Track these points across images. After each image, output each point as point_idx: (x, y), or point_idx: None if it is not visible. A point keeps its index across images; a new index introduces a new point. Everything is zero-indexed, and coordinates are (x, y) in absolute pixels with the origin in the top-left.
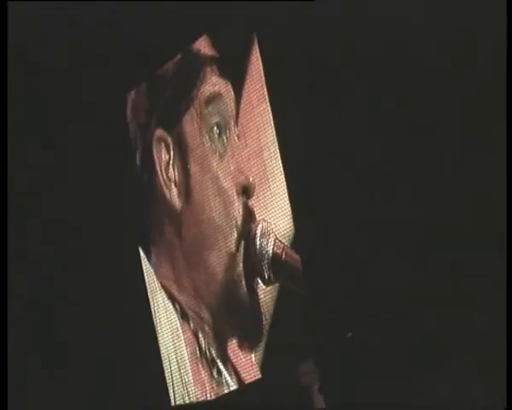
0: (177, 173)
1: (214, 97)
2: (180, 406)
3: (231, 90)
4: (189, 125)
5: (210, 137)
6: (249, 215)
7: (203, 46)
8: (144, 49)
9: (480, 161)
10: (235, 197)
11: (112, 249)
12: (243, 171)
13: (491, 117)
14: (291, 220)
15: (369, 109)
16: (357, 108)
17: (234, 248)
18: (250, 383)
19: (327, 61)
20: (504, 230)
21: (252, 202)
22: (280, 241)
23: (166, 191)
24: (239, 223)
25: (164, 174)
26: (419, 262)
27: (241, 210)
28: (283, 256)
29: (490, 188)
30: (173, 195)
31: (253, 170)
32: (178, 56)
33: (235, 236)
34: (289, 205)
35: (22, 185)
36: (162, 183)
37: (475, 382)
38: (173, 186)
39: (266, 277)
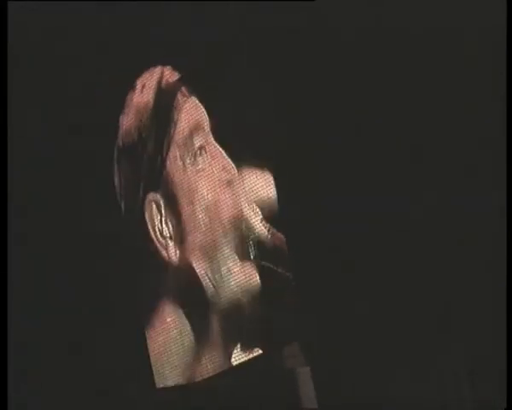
0: (170, 226)
1: (196, 128)
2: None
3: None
4: (173, 165)
5: (193, 163)
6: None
7: (167, 78)
8: None
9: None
10: (226, 196)
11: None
12: (226, 168)
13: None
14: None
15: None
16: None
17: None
18: (237, 366)
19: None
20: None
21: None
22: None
23: (164, 252)
24: (231, 223)
25: (159, 236)
26: (411, 252)
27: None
28: (269, 236)
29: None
30: (170, 251)
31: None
32: (151, 101)
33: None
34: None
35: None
36: (158, 245)
37: (475, 382)
38: (169, 242)
39: (252, 256)
